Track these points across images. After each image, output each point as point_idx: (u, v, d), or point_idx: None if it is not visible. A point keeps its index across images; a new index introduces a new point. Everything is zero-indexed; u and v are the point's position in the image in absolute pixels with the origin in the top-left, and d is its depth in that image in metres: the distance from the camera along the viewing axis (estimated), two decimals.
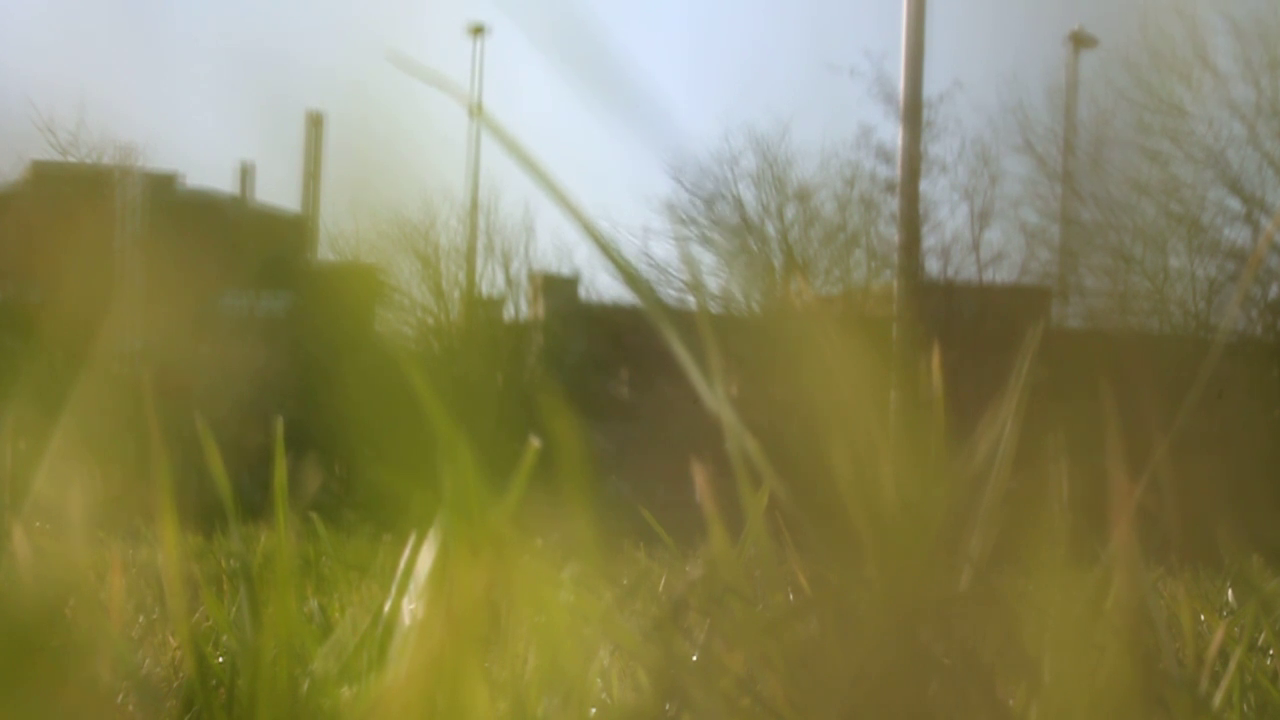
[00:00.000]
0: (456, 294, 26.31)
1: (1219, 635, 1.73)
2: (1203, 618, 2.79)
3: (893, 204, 22.38)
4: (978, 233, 23.33)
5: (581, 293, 27.24)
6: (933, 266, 23.09)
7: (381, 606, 1.86)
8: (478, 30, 27.64)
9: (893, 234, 21.95)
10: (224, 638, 2.04)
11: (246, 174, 28.79)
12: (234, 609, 1.94)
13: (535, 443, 1.65)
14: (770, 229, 24.15)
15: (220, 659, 2.05)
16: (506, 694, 1.69)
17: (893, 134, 22.43)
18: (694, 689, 1.50)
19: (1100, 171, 21.45)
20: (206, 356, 24.00)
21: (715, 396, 1.53)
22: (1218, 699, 1.79)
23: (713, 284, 22.95)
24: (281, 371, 23.79)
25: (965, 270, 23.33)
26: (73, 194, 24.71)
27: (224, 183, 28.63)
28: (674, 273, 23.91)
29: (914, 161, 21.69)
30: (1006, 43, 24.33)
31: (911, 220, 21.50)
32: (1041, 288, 22.22)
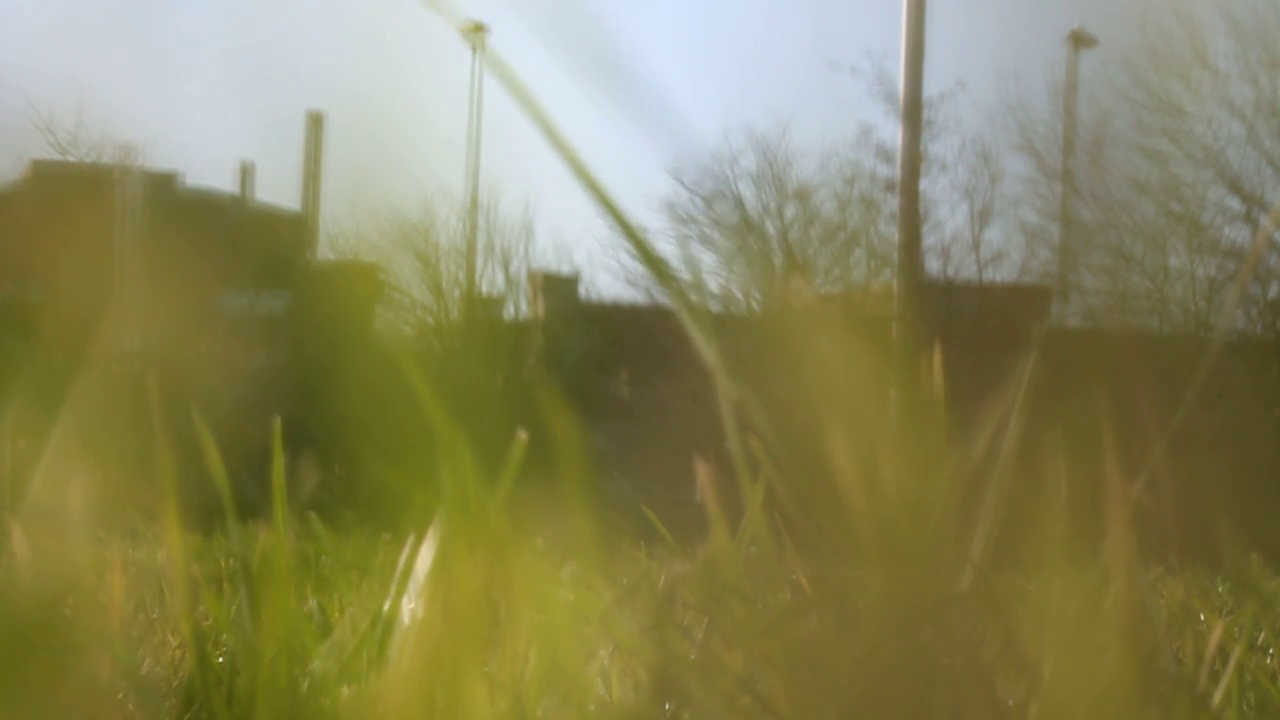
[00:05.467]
0: (456, 293, 26.31)
1: (1218, 634, 1.73)
2: (1202, 617, 2.79)
3: (893, 203, 22.39)
4: (978, 232, 23.34)
5: (581, 292, 27.23)
6: (933, 266, 23.10)
7: (381, 606, 1.86)
8: (478, 30, 27.64)
9: (893, 233, 21.95)
10: (224, 637, 2.04)
11: (246, 174, 28.79)
12: (233, 608, 1.94)
13: (523, 435, 1.65)
14: (770, 228, 24.16)
15: (220, 658, 2.05)
16: (506, 694, 1.69)
17: (893, 133, 22.45)
18: (693, 688, 1.50)
19: (1100, 171, 21.45)
20: (206, 356, 23.99)
21: (722, 393, 1.53)
22: (1217, 698, 1.79)
23: (713, 283, 22.96)
24: (281, 371, 23.78)
25: (965, 269, 23.34)
26: (73, 193, 24.70)
27: (224, 182, 28.62)
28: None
29: (914, 160, 21.69)
30: (1006, 42, 24.33)
31: (911, 219, 21.50)
32: (1041, 287, 22.22)
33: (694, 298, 1.50)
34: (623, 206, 1.44)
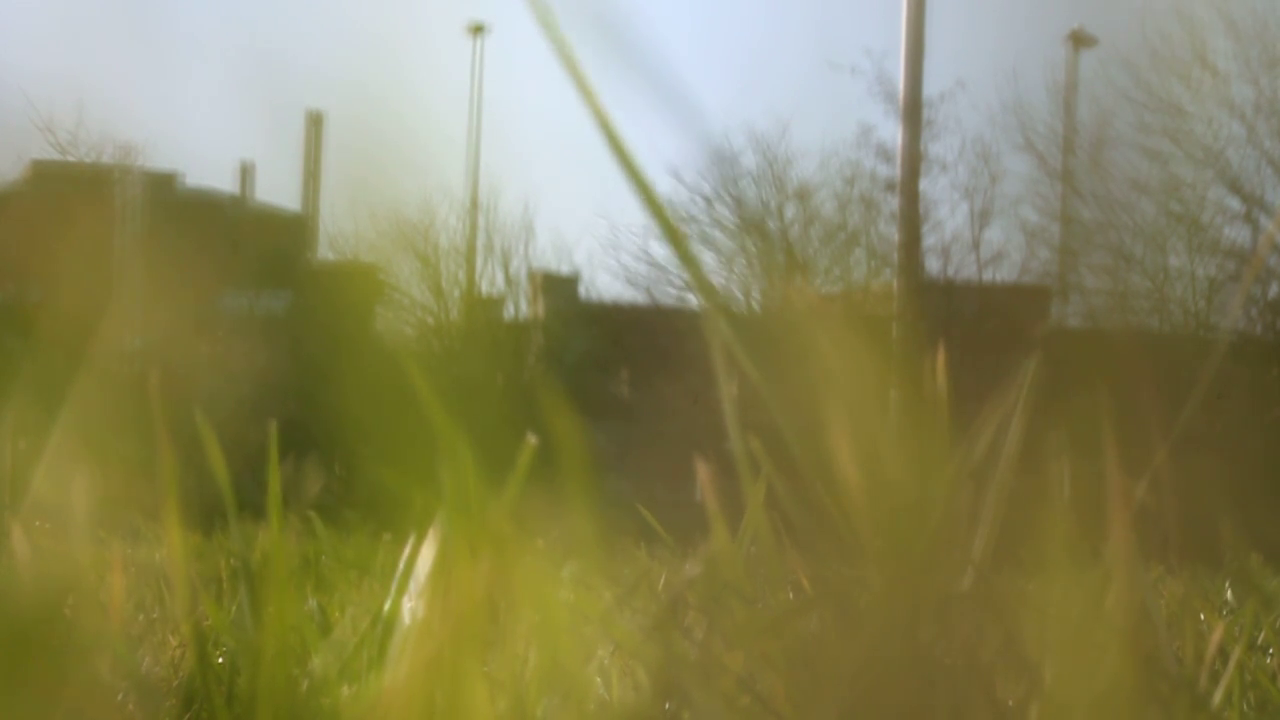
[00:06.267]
0: (456, 293, 26.32)
1: (1218, 634, 1.73)
2: (1203, 617, 2.79)
3: (893, 203, 22.40)
4: (978, 232, 23.34)
5: (581, 292, 27.23)
6: (933, 265, 23.10)
7: (381, 606, 1.86)
8: (478, 30, 27.64)
9: (893, 233, 21.96)
10: (224, 637, 2.04)
11: (246, 174, 28.79)
12: (233, 608, 1.94)
13: (532, 440, 1.65)
14: (770, 228, 24.16)
15: (220, 658, 2.05)
16: (506, 694, 1.69)
17: (893, 133, 22.46)
18: (694, 688, 1.50)
19: (1100, 171, 21.46)
20: (206, 356, 23.99)
21: (724, 392, 1.53)
22: (1217, 697, 1.79)
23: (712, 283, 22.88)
24: (281, 371, 23.78)
25: (965, 269, 23.35)
26: (73, 194, 24.70)
27: (224, 182, 28.62)
28: (674, 271, 23.90)
29: (914, 160, 21.70)
30: (1006, 42, 24.33)
31: (912, 219, 21.51)
32: (1042, 287, 22.23)
33: (708, 293, 1.50)
34: (653, 185, 1.44)
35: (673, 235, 1.50)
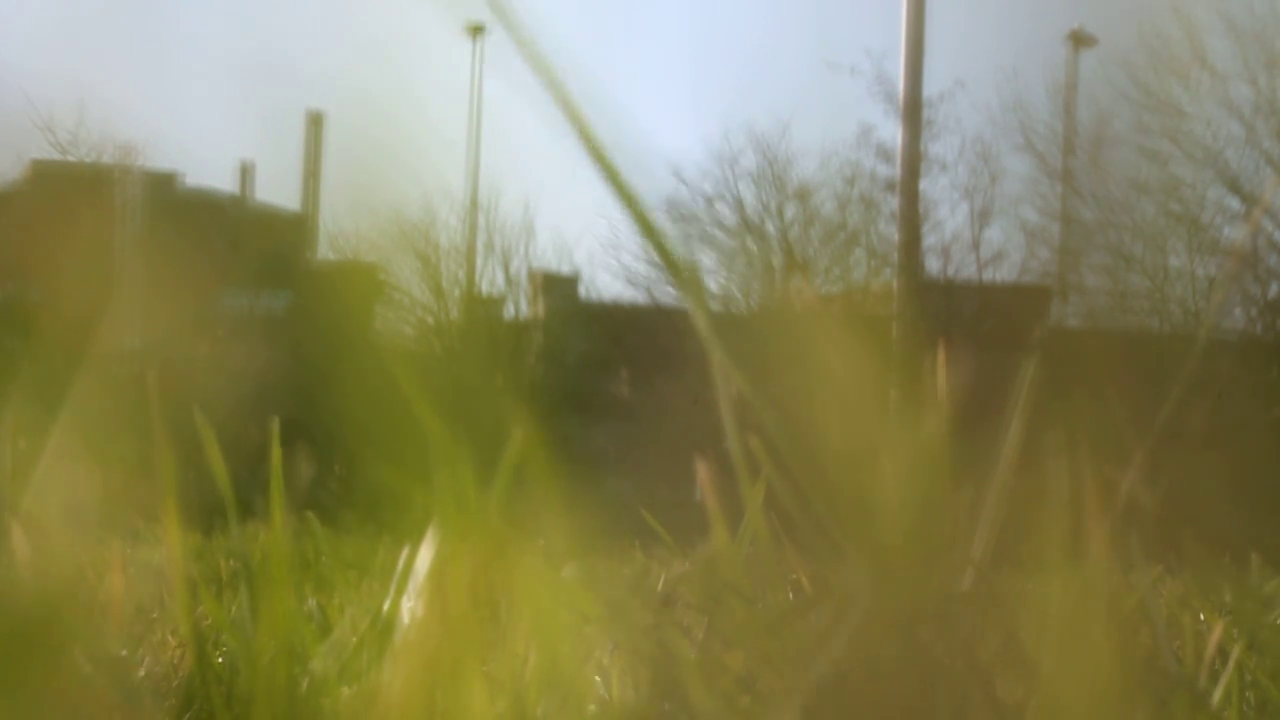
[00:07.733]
0: (456, 293, 26.32)
1: (1217, 633, 1.73)
2: (1202, 616, 2.79)
3: (893, 203, 22.40)
4: (978, 231, 23.35)
5: (581, 292, 27.24)
6: (933, 265, 23.11)
7: (380, 606, 1.86)
8: (477, 30, 27.63)
9: (893, 233, 21.96)
10: (224, 637, 2.04)
11: (246, 173, 28.80)
12: (233, 608, 1.94)
13: (522, 435, 1.65)
14: (770, 228, 24.17)
15: (220, 658, 2.05)
16: (506, 694, 1.69)
17: (893, 133, 22.46)
18: (693, 688, 1.50)
19: (1100, 170, 21.46)
20: (206, 356, 24.00)
21: (722, 393, 1.53)
22: (1217, 697, 1.79)
23: (713, 283, 22.97)
24: (281, 371, 23.78)
25: (965, 269, 23.36)
26: (73, 193, 24.71)
27: (224, 182, 28.64)
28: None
29: (914, 160, 21.70)
30: (1006, 42, 24.33)
31: (911, 219, 21.51)
32: (1042, 286, 22.23)
33: (701, 294, 1.50)
34: (637, 193, 1.44)
35: (652, 238, 1.50)
